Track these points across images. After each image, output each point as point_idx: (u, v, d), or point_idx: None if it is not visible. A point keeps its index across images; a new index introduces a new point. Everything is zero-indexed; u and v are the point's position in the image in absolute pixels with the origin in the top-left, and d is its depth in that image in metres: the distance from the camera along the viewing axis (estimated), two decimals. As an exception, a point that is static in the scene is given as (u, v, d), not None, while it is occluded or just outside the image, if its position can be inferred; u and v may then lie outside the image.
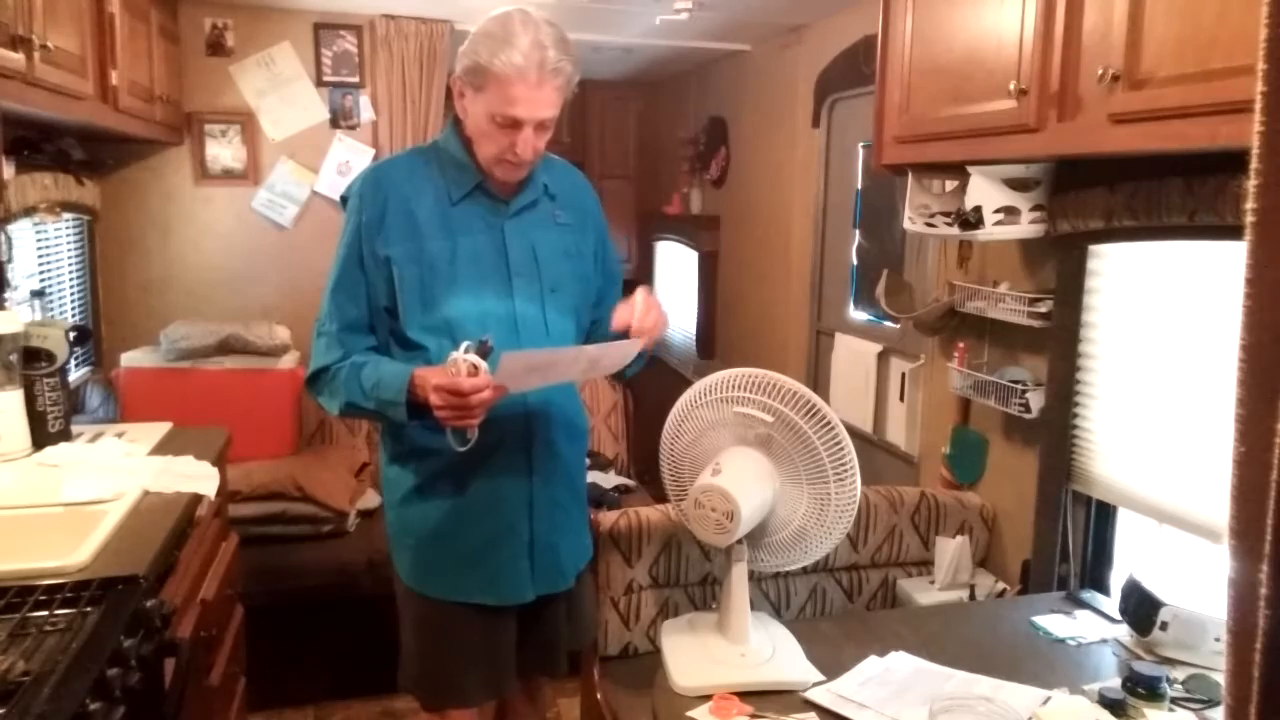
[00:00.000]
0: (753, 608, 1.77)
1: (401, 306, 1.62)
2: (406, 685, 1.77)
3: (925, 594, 2.16)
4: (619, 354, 1.61)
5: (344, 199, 1.70)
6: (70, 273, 3.13)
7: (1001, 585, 2.22)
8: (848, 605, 2.22)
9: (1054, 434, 2.09)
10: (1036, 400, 2.09)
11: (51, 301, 2.91)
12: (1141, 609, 1.72)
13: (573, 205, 1.77)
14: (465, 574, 1.69)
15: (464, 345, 1.49)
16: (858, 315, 3.29)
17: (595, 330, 1.83)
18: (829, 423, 1.61)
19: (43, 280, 2.84)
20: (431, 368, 1.55)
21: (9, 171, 2.27)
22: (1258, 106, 0.50)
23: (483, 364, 1.47)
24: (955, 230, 1.99)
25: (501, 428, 1.62)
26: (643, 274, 5.28)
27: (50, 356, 2.00)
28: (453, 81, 1.63)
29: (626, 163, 5.27)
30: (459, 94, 1.62)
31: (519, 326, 1.63)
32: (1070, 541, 2.10)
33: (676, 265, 4.99)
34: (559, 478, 1.74)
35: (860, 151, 3.20)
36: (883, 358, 2.98)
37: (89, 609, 1.26)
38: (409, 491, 1.70)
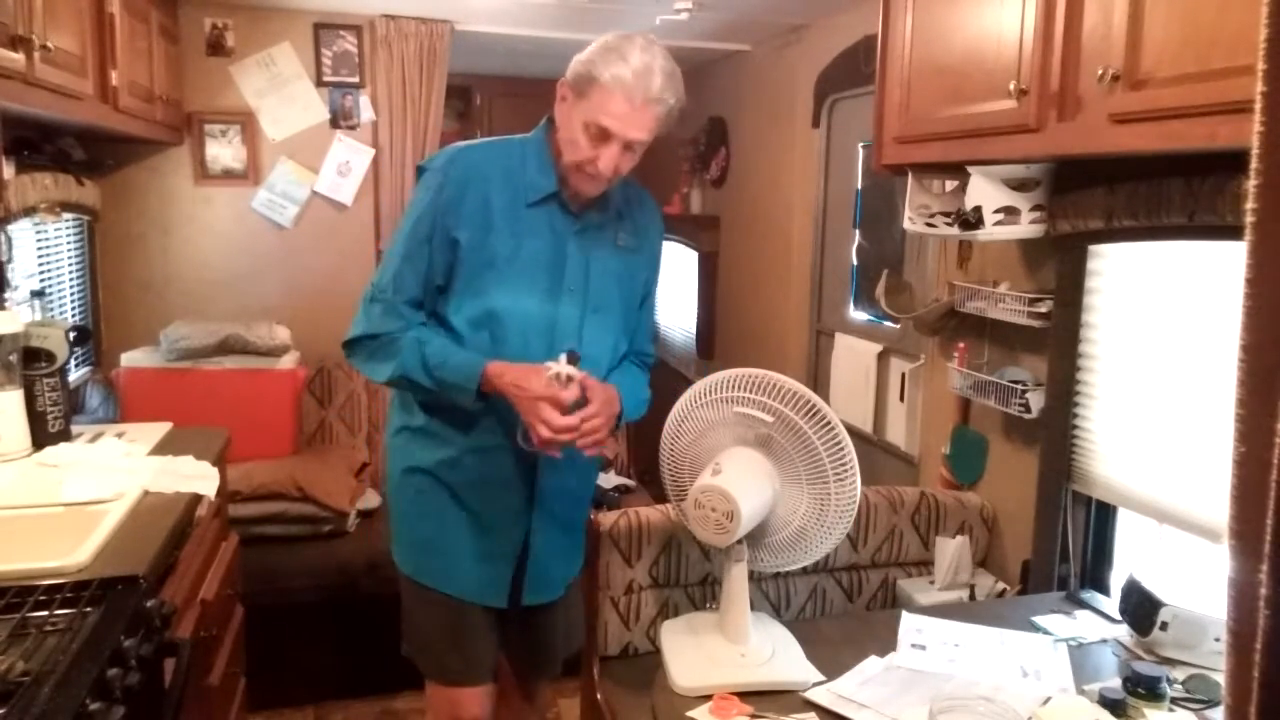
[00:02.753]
0: (753, 608, 1.77)
1: (453, 289, 1.65)
2: (407, 651, 1.82)
3: (925, 594, 2.16)
4: None
5: (421, 169, 1.71)
6: (70, 273, 3.13)
7: (1001, 585, 2.22)
8: (848, 605, 2.21)
9: (1054, 434, 2.09)
10: (1036, 400, 2.09)
11: (51, 301, 2.91)
12: (1141, 609, 1.72)
13: (637, 230, 1.79)
14: (443, 561, 1.72)
15: (562, 357, 1.57)
16: (858, 315, 3.29)
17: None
18: (829, 423, 1.61)
19: (43, 280, 2.84)
20: (512, 366, 1.59)
21: (9, 171, 2.27)
22: (1258, 106, 0.50)
23: (577, 373, 1.57)
24: (955, 230, 1.99)
25: (506, 454, 1.68)
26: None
27: (50, 356, 2.00)
28: (559, 85, 1.64)
29: (626, 163, 5.26)
30: (560, 98, 1.64)
31: (555, 332, 1.66)
32: (1070, 541, 2.10)
33: (676, 265, 4.99)
34: (560, 497, 1.77)
35: (860, 151, 3.20)
36: (883, 358, 2.98)
37: (89, 609, 1.26)
38: (413, 466, 1.73)
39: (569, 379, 1.56)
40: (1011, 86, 1.62)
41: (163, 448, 2.03)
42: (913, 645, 1.76)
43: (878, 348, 2.99)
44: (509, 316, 1.63)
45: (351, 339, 1.69)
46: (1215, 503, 1.70)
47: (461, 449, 1.69)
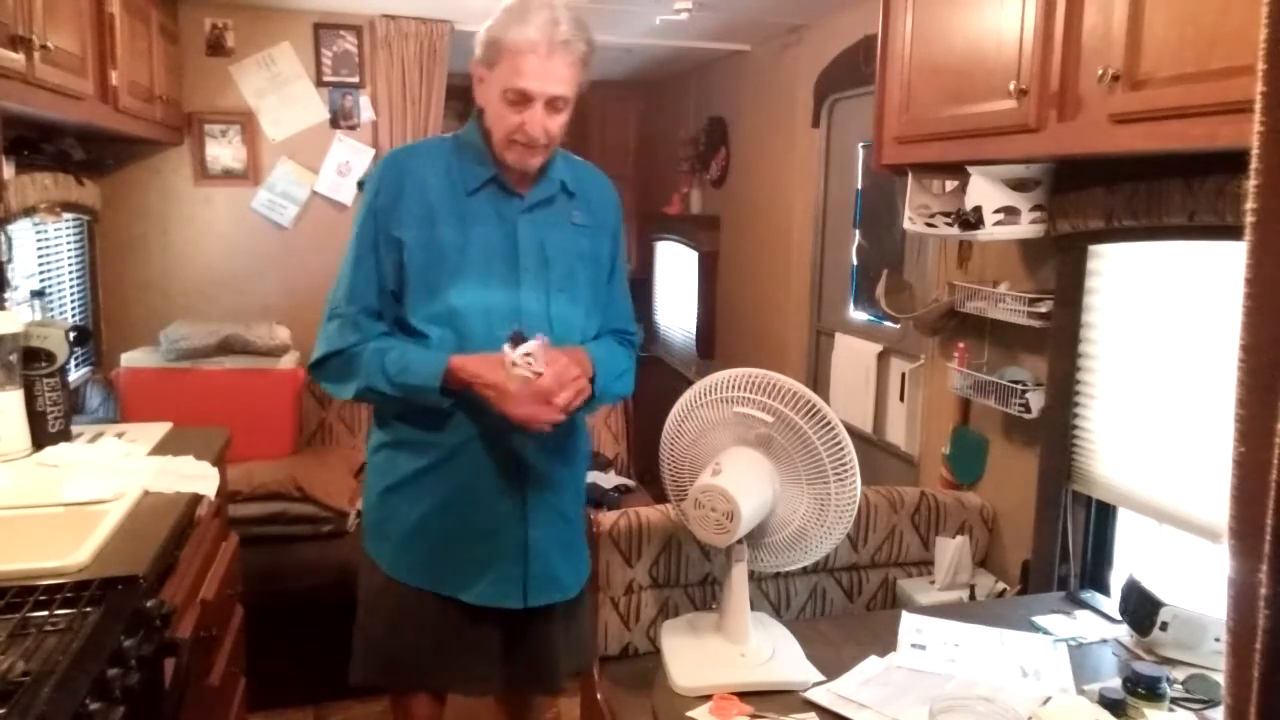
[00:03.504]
0: (753, 608, 1.77)
1: (408, 291, 1.63)
2: (367, 675, 1.78)
3: (925, 594, 2.16)
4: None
5: (361, 183, 1.71)
6: (70, 273, 3.13)
7: (1001, 585, 2.22)
8: (848, 605, 2.22)
9: (1054, 434, 2.09)
10: (1036, 400, 2.09)
11: (51, 301, 2.90)
12: (1141, 609, 1.72)
13: (592, 207, 1.77)
14: (447, 568, 1.69)
15: (505, 347, 1.53)
16: (858, 315, 3.29)
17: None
18: (829, 423, 1.61)
19: (43, 280, 2.84)
20: (471, 358, 1.57)
21: (9, 171, 2.27)
22: (1258, 106, 0.50)
23: (532, 345, 1.53)
24: (955, 230, 1.99)
25: (489, 446, 1.65)
26: (643, 274, 5.29)
27: (50, 356, 2.00)
28: (472, 68, 1.64)
29: (626, 163, 5.27)
30: (477, 79, 1.64)
31: (522, 320, 1.63)
32: (1070, 541, 2.10)
33: (676, 265, 4.99)
34: (553, 487, 1.73)
35: (860, 151, 3.20)
36: (883, 358, 2.98)
37: (89, 609, 1.26)
38: (397, 481, 1.69)
39: (527, 356, 1.53)
40: (1011, 86, 1.62)
41: (163, 448, 2.03)
42: (913, 645, 1.76)
43: (878, 348, 2.99)
44: (469, 308, 1.61)
45: (316, 361, 1.66)
46: (1215, 503, 1.70)
47: (442, 451, 1.65)
